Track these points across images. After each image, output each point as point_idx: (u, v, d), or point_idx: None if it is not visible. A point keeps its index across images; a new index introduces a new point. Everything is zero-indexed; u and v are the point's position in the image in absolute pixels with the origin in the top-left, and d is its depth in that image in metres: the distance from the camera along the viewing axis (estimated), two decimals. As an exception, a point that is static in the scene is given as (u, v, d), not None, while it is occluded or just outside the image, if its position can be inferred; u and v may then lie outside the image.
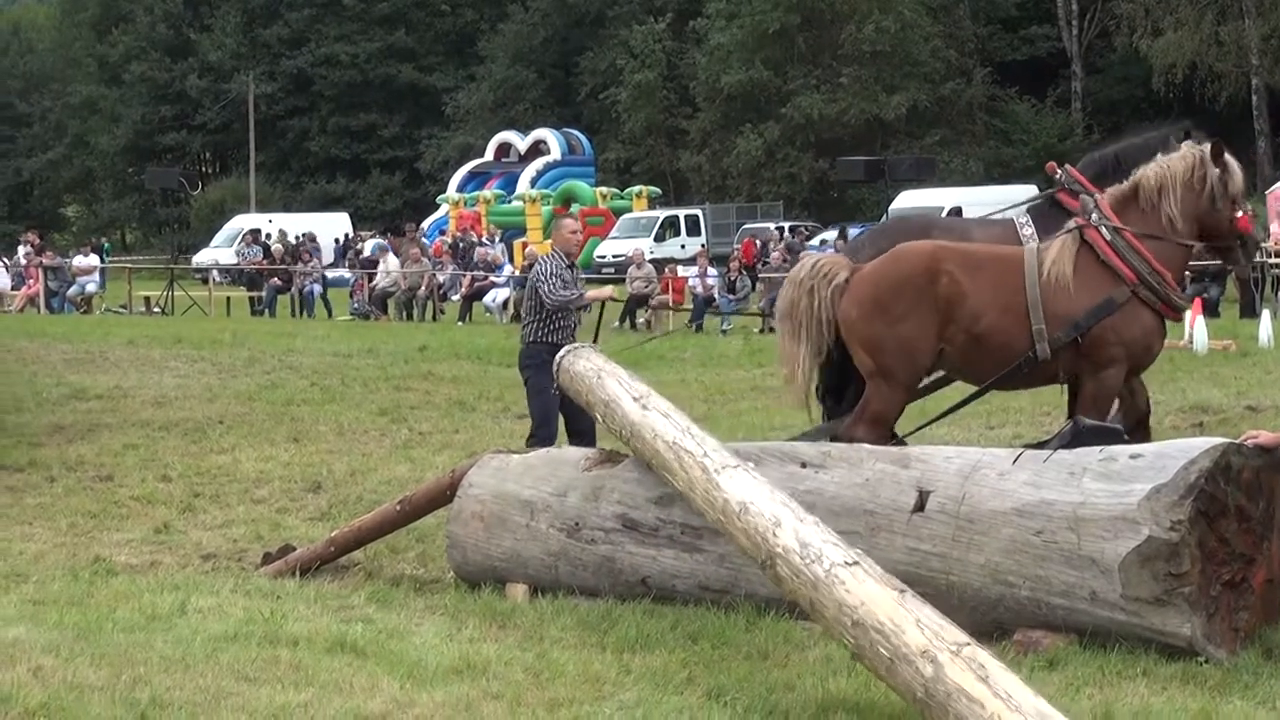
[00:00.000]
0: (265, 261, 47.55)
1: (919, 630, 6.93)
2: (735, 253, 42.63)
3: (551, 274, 13.27)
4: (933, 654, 6.75)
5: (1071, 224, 11.96)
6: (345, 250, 58.35)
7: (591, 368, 10.85)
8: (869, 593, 7.27)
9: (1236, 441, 8.53)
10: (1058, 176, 13.60)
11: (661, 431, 9.51)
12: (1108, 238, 11.72)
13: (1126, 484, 8.33)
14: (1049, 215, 13.19)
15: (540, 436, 13.01)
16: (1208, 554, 8.23)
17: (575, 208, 60.41)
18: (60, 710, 7.33)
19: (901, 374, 11.64)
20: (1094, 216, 11.90)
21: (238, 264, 51.17)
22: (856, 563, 7.50)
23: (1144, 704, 7.51)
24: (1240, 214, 12.33)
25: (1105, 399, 11.93)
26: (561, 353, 11.36)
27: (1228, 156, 12.20)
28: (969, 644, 6.78)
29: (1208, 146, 12.21)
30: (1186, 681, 7.87)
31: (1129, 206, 11.90)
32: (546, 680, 8.18)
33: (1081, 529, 8.34)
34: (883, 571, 7.48)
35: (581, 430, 12.88)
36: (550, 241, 13.79)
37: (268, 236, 55.02)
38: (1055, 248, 11.71)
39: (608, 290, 13.68)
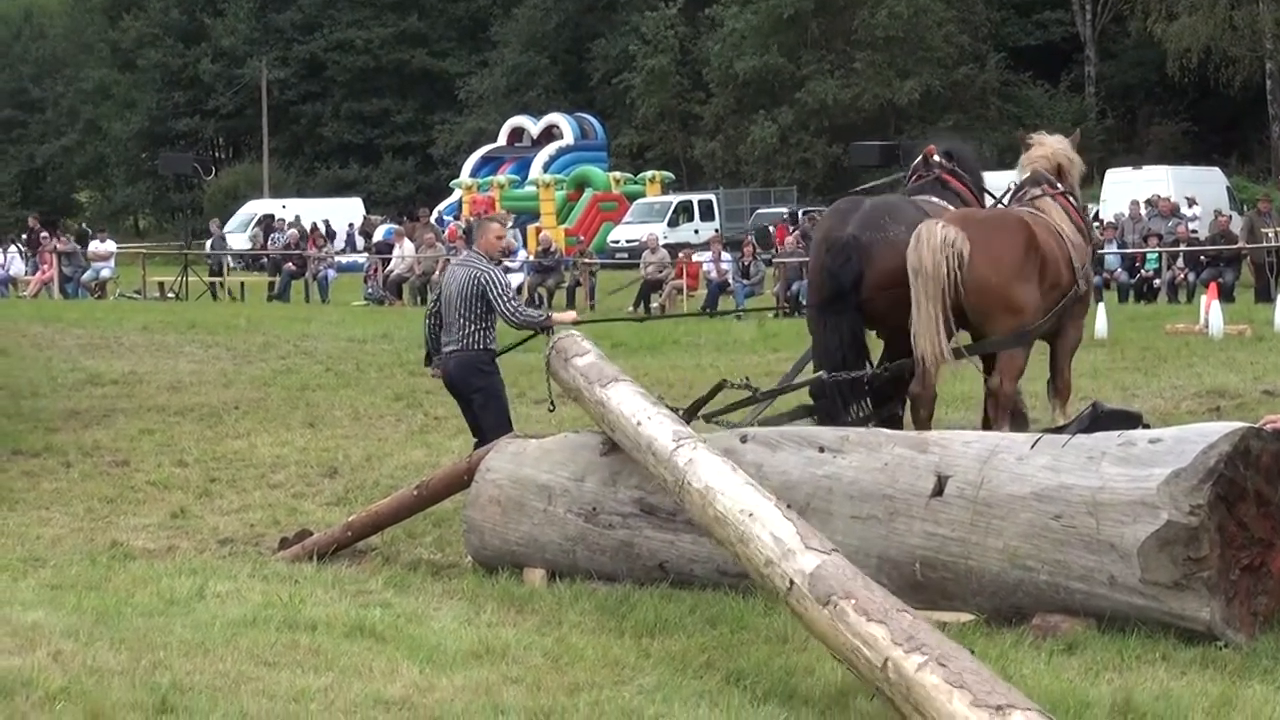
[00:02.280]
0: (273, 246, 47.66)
1: (885, 631, 6.97)
2: (748, 237, 42.58)
3: (506, 291, 13.08)
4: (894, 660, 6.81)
5: (1038, 190, 13.74)
6: (329, 234, 57.59)
7: (568, 378, 10.99)
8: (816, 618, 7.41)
9: (1255, 426, 8.52)
10: (936, 159, 14.73)
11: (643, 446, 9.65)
12: (1076, 205, 13.95)
13: (1145, 468, 8.32)
14: (942, 194, 14.36)
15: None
16: (1226, 538, 8.22)
17: (589, 192, 60.46)
18: (81, 694, 7.35)
19: (1033, 332, 13.08)
20: (1060, 186, 13.87)
21: (256, 249, 51.22)
22: (792, 582, 7.56)
23: (1163, 688, 7.51)
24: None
25: (1078, 345, 14.11)
26: (550, 352, 11.32)
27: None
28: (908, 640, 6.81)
29: (1063, 137, 14.48)
30: (1206, 666, 7.87)
31: (1060, 182, 13.93)
32: (565, 665, 8.20)
33: (1100, 513, 8.34)
34: (816, 575, 7.46)
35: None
36: (476, 244, 13.49)
37: (280, 222, 54.99)
38: (1053, 209, 13.57)
39: (571, 315, 13.68)
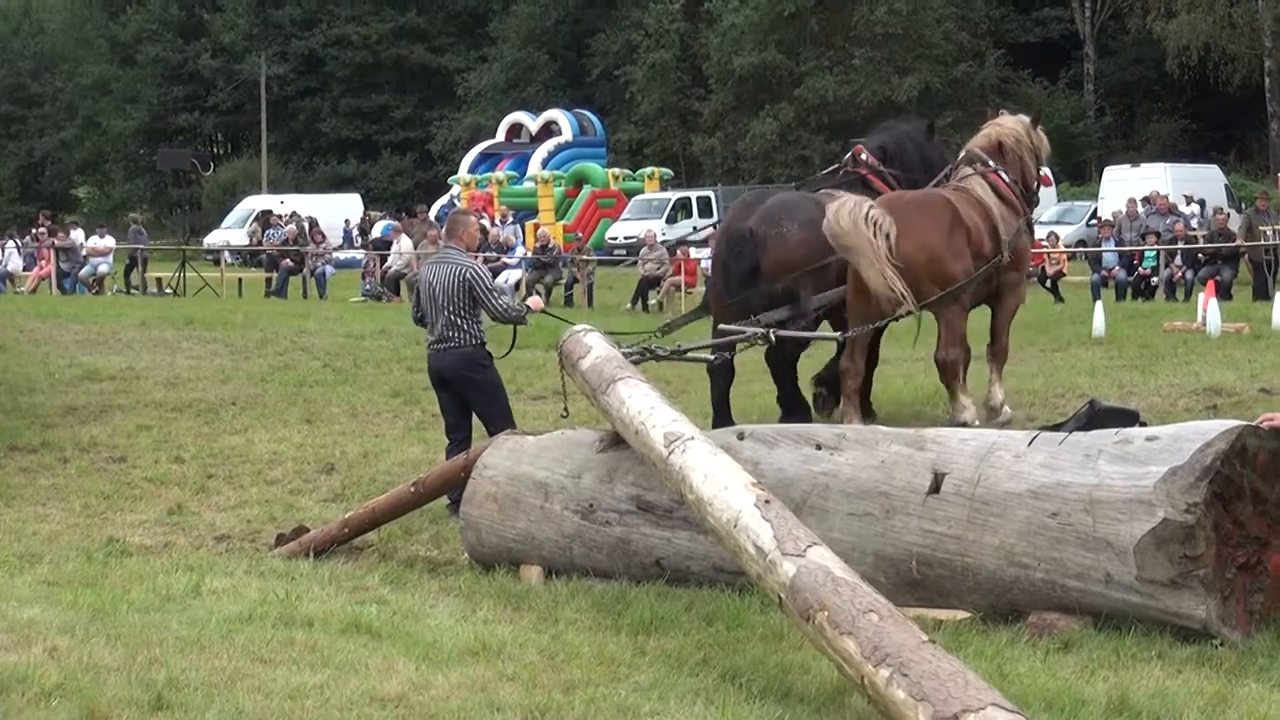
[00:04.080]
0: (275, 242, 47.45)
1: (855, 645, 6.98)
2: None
3: (492, 286, 13.21)
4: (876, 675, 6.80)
5: (969, 170, 14.90)
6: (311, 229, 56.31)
7: (580, 383, 11.06)
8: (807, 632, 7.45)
9: (1252, 424, 8.51)
10: (864, 158, 15.88)
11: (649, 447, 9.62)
12: (1008, 181, 14.92)
13: (1142, 466, 8.32)
14: (861, 192, 15.03)
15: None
16: (1223, 536, 8.22)
17: (587, 189, 60.43)
18: (77, 691, 7.34)
19: (964, 299, 14.24)
20: (992, 164, 14.96)
21: (254, 244, 50.94)
22: (780, 599, 7.59)
23: (1160, 687, 7.51)
24: (1045, 172, 15.74)
25: (1017, 310, 15.29)
26: (560, 356, 11.39)
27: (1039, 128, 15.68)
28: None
29: (1025, 117, 15.74)
30: (1202, 664, 7.87)
31: (995, 159, 15.05)
32: (561, 662, 8.20)
33: (1097, 511, 8.34)
34: (795, 587, 7.46)
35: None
36: (454, 239, 13.59)
37: (279, 218, 54.94)
38: (978, 185, 14.69)
39: (537, 301, 14.25)
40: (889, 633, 6.82)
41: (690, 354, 14.11)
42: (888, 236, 13.39)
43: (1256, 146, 65.88)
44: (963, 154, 15.38)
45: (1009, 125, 15.43)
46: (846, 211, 13.44)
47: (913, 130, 16.92)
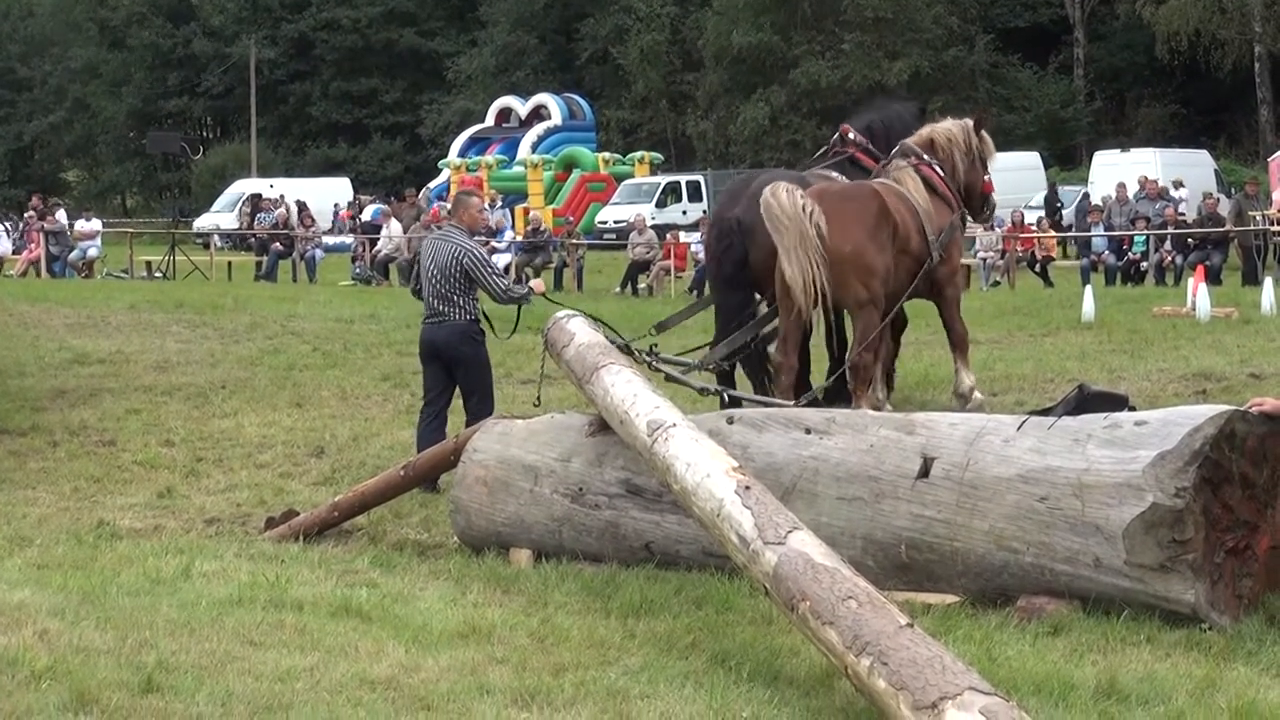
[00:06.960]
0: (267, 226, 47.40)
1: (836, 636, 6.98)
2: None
3: (492, 269, 13.38)
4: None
5: (903, 162, 14.67)
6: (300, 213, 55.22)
7: (565, 371, 11.11)
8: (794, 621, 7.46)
9: (1241, 408, 8.52)
10: (851, 137, 15.79)
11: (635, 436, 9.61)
12: (941, 174, 14.84)
13: (1131, 451, 8.32)
14: (850, 171, 15.33)
15: (486, 410, 12.91)
16: (1212, 521, 8.23)
17: (576, 173, 60.37)
18: (67, 673, 7.34)
19: (882, 298, 13.71)
20: (925, 157, 14.83)
21: (241, 229, 50.82)
22: (766, 589, 7.61)
23: (1148, 671, 7.52)
24: (988, 178, 15.64)
25: (960, 299, 15.19)
26: (544, 343, 11.46)
27: (984, 131, 15.54)
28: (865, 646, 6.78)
29: (970, 120, 15.59)
30: (1190, 648, 7.88)
31: (929, 153, 14.93)
32: (551, 645, 8.21)
33: (1086, 495, 8.34)
34: (778, 576, 7.45)
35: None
36: (455, 218, 13.65)
37: (270, 202, 54.84)
38: (909, 180, 14.48)
39: (539, 283, 14.21)
40: (867, 620, 6.81)
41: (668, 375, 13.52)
42: (818, 226, 13.13)
43: (1246, 132, 65.93)
44: (897, 149, 15.19)
45: (946, 125, 15.41)
46: (784, 194, 13.19)
47: (902, 109, 16.84)
